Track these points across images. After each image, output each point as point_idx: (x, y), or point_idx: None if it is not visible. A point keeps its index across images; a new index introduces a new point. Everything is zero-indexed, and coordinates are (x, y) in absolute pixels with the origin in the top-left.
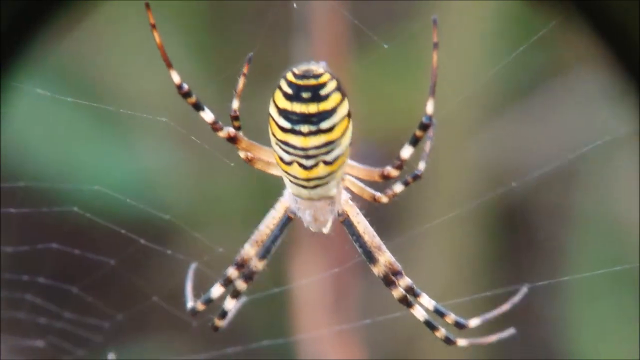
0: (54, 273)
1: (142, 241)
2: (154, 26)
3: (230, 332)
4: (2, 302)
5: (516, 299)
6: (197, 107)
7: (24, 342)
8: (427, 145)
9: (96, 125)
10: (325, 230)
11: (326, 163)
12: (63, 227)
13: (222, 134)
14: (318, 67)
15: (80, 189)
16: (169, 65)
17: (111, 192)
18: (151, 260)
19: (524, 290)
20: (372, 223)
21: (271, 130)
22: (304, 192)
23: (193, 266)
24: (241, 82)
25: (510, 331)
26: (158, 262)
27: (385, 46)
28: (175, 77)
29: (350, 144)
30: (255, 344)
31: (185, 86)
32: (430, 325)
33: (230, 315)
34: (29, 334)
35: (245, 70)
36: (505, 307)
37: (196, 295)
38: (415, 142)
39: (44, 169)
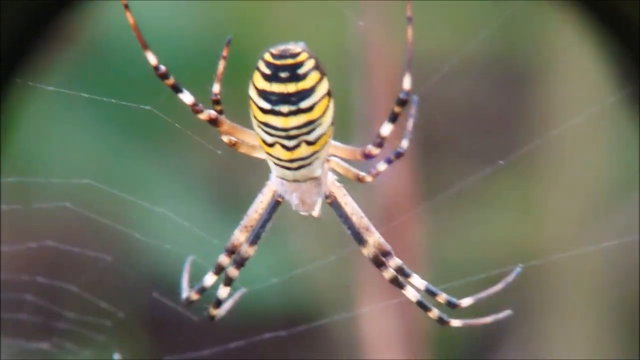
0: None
1: (137, 235)
2: (126, 6)
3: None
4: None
5: (510, 278)
6: (176, 89)
7: (29, 344)
8: (410, 123)
9: None
10: (315, 213)
11: (308, 143)
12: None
13: (203, 116)
14: (296, 47)
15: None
16: (145, 47)
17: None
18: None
19: (517, 270)
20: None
21: (252, 112)
22: (289, 173)
23: (190, 259)
24: (221, 65)
25: (506, 312)
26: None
27: None
28: (152, 59)
29: (332, 123)
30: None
31: (163, 67)
32: (423, 306)
33: (227, 305)
34: (33, 336)
35: (225, 53)
36: (498, 286)
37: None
38: (394, 118)
39: None
